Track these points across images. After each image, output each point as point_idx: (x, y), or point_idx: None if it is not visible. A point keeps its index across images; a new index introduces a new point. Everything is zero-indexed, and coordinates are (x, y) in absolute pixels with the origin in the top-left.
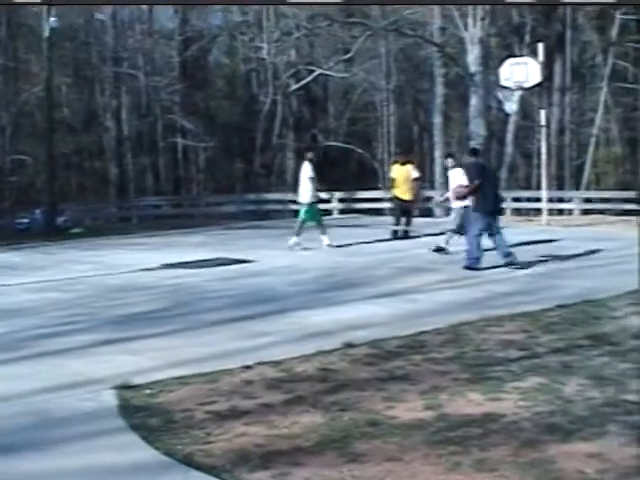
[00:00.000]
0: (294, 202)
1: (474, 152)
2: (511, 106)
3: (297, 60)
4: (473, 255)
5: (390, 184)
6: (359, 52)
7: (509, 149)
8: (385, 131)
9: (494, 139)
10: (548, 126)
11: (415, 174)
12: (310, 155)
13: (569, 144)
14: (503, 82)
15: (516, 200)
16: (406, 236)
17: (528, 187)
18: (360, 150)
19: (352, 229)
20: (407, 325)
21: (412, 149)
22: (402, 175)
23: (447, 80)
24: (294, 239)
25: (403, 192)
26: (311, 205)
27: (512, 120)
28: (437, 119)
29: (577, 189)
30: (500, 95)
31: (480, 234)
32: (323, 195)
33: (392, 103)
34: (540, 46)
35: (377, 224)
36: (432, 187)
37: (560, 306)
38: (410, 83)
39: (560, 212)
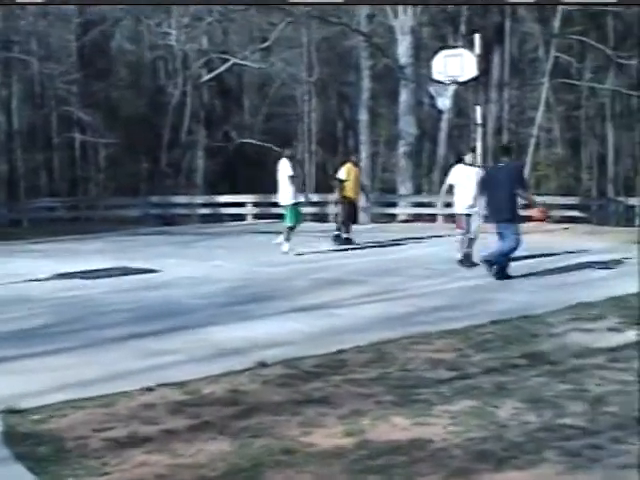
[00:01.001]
0: (205, 205)
1: (504, 151)
2: (444, 102)
3: (209, 48)
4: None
5: (340, 187)
6: (278, 40)
7: (442, 149)
8: (306, 128)
9: (426, 138)
10: (484, 125)
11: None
12: (289, 152)
13: None
14: (436, 76)
15: (448, 205)
16: (349, 242)
17: None
18: (278, 149)
19: (269, 236)
20: (326, 342)
21: (336, 148)
22: (355, 176)
23: (375, 73)
24: (286, 245)
25: (355, 194)
26: (293, 207)
27: (445, 117)
28: (363, 116)
29: None
30: (432, 90)
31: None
32: (314, 197)
33: (314, 97)
34: (476, 37)
35: (298, 230)
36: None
37: (494, 322)
38: (334, 76)
39: None
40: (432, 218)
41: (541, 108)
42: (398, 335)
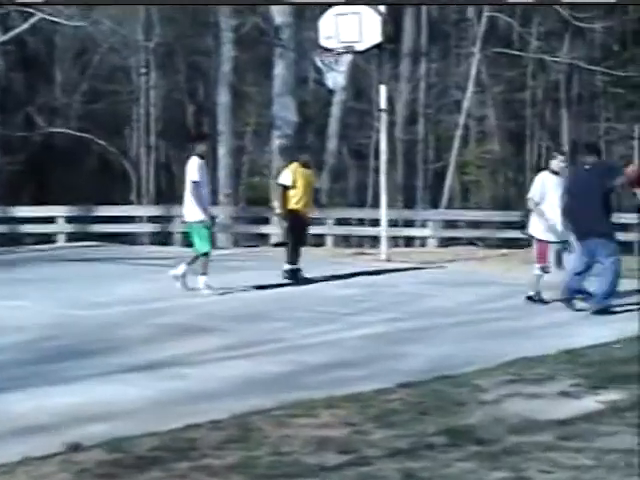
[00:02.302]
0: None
1: (590, 150)
2: (336, 79)
3: None
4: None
5: (282, 195)
6: None
7: (333, 144)
8: (143, 112)
9: (310, 128)
10: (392, 111)
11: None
12: (202, 148)
13: (423, 138)
14: (324, 42)
15: (342, 223)
16: (300, 279)
17: (361, 204)
18: (103, 142)
19: (92, 265)
20: (169, 415)
21: (186, 141)
22: (306, 182)
23: (240, 37)
24: (181, 267)
25: (306, 207)
26: (203, 225)
27: (338, 100)
28: (223, 96)
29: (434, 207)
30: (320, 62)
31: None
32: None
33: (154, 70)
34: None
35: (134, 257)
36: (214, 201)
37: (404, 385)
38: (182, 39)
39: (409, 242)
40: (319, 240)
41: (470, 88)
42: (270, 404)
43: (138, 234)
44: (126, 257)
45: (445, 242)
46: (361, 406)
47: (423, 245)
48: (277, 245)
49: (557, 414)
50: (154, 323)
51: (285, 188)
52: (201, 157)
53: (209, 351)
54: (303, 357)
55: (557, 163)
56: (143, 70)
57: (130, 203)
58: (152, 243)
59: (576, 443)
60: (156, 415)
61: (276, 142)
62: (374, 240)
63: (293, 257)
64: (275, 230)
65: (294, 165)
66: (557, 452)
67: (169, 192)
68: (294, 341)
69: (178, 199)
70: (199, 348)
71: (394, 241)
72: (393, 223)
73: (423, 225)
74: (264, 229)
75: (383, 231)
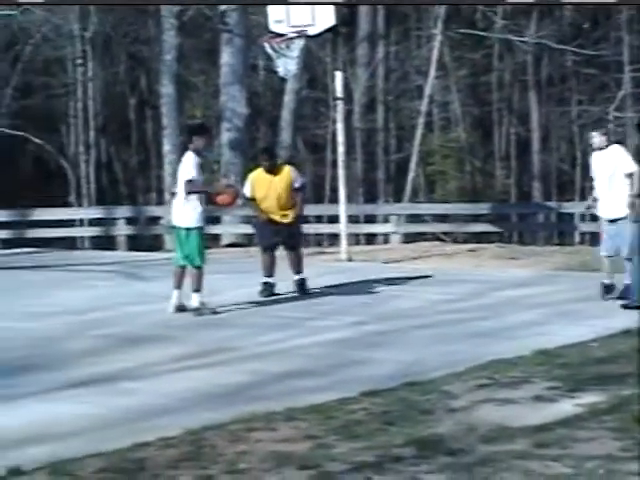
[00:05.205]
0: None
1: None
2: (287, 66)
3: None
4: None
5: (253, 207)
6: None
7: (286, 135)
8: (81, 107)
9: (262, 119)
10: (349, 99)
11: (300, 181)
12: (200, 143)
13: (383, 128)
14: (274, 26)
15: None
16: (304, 290)
17: (319, 200)
18: (38, 140)
19: (28, 273)
20: (117, 433)
21: (128, 137)
22: (268, 190)
23: (183, 23)
24: (195, 298)
25: (281, 212)
26: (198, 232)
27: (290, 89)
28: (168, 87)
29: (398, 201)
30: (270, 48)
31: None
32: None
33: (92, 60)
34: None
35: (74, 264)
36: (160, 201)
37: (368, 393)
38: (122, 28)
39: (370, 239)
40: None
41: (432, 73)
42: (225, 418)
43: (78, 238)
44: (65, 263)
45: (410, 238)
46: (323, 418)
47: (386, 242)
48: (231, 246)
49: (532, 420)
50: (98, 334)
51: (248, 200)
52: (198, 153)
53: (159, 363)
54: (261, 366)
55: (597, 141)
56: (80, 61)
57: (69, 205)
58: (94, 248)
59: (553, 450)
60: (102, 434)
61: (225, 135)
62: (333, 238)
63: (264, 269)
64: (228, 229)
65: (256, 173)
66: (533, 461)
67: (111, 193)
68: (251, 349)
69: (121, 200)
70: (148, 360)
71: (355, 239)
72: (353, 219)
73: (386, 220)
74: (214, 229)
75: (343, 228)
